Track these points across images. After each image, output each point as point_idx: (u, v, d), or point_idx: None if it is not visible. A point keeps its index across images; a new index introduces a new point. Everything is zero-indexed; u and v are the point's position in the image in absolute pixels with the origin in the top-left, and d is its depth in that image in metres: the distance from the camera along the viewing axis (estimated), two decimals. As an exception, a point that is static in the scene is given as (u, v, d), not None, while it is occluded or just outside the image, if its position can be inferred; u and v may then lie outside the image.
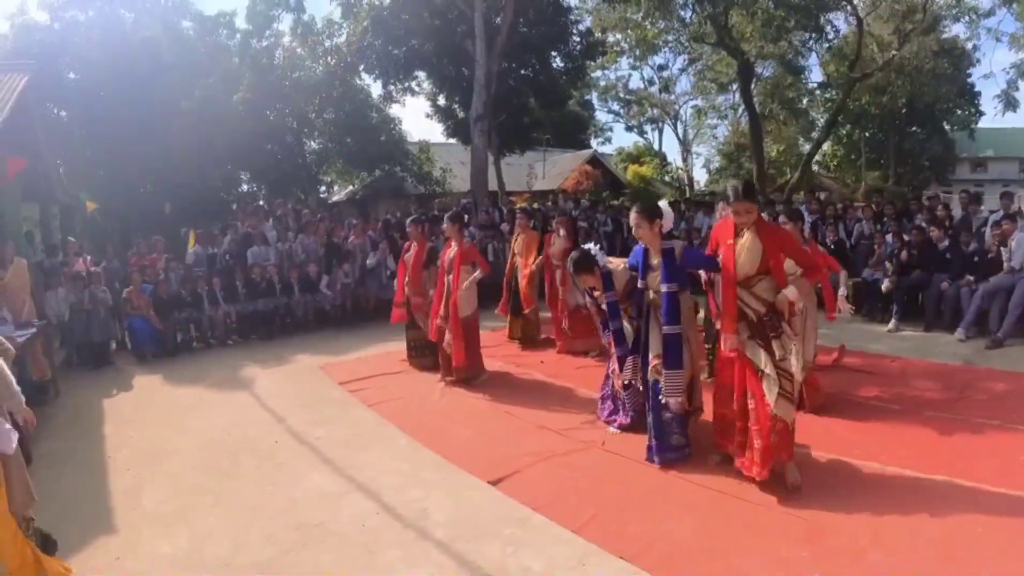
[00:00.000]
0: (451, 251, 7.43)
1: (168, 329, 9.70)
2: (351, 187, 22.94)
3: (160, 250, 11.19)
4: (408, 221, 8.61)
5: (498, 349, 8.92)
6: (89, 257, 11.14)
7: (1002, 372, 7.01)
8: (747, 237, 4.26)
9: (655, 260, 4.83)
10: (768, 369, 4.16)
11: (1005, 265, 8.62)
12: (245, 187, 19.65)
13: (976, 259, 9.13)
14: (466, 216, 14.39)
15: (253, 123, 16.87)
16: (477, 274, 7.20)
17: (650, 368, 4.85)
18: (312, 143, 20.01)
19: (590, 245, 5.72)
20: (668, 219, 4.88)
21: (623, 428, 5.58)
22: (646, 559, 3.57)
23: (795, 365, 4.19)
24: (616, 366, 5.36)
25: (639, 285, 4.99)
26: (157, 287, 9.94)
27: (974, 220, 10.33)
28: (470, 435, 5.78)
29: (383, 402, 6.82)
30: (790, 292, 4.20)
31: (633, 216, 4.89)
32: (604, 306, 5.37)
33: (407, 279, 8.06)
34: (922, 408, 5.83)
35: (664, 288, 4.68)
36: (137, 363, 9.40)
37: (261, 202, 18.13)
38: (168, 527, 4.27)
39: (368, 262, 12.03)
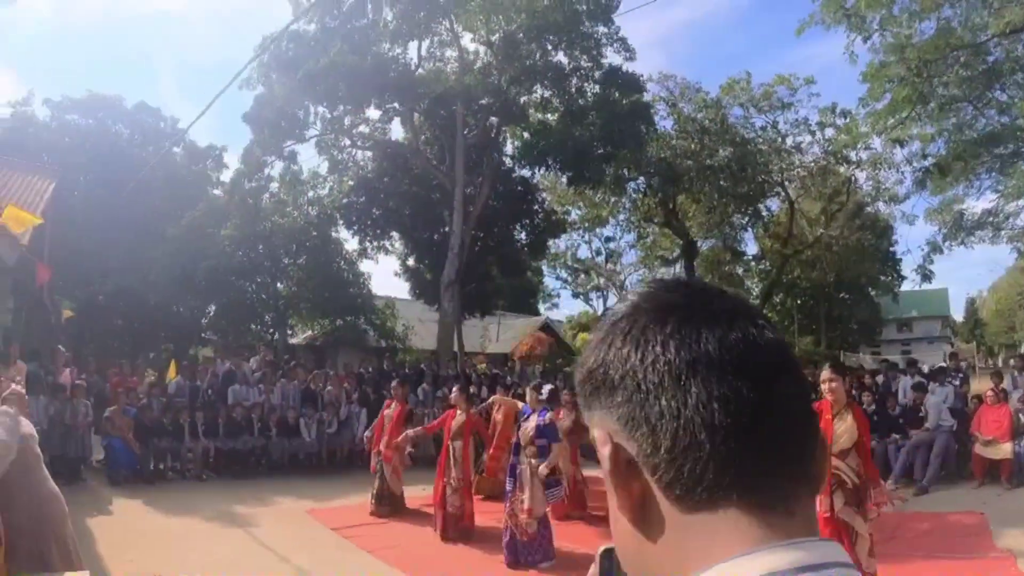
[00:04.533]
0: (459, 419, 7.95)
1: (146, 455, 9.56)
2: (310, 332, 23.14)
3: (142, 374, 11.19)
4: (395, 382, 9.59)
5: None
6: (75, 369, 11.02)
7: (926, 514, 8.25)
8: (847, 417, 4.97)
9: None
10: (863, 531, 4.82)
11: (925, 424, 10.11)
12: (208, 319, 19.65)
13: (900, 420, 10.61)
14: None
15: (234, 260, 17.34)
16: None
17: None
18: (279, 286, 20.41)
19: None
20: None
21: None
22: None
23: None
24: None
25: None
26: (140, 412, 9.89)
27: (894, 385, 12.08)
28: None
29: (382, 549, 7.01)
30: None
31: None
32: None
33: (385, 434, 8.71)
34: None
35: None
36: (110, 485, 9.19)
37: (207, 335, 18.24)
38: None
39: (341, 413, 12.23)
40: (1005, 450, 9.31)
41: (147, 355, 14.10)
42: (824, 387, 5.04)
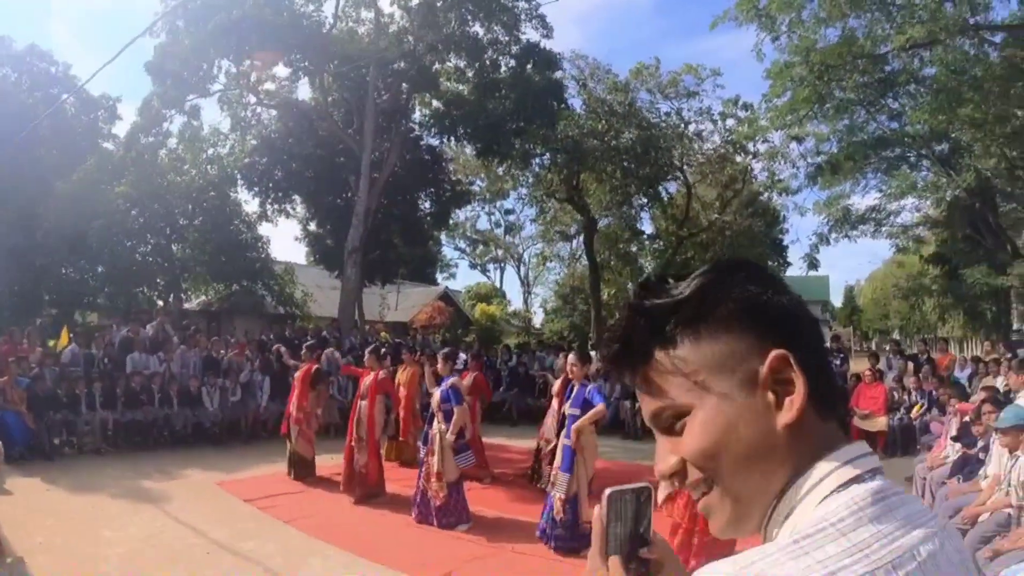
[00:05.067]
0: (368, 379, 8.12)
1: (40, 429, 9.10)
2: (205, 297, 22.28)
3: (34, 341, 10.57)
4: (304, 346, 9.64)
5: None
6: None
7: None
8: None
9: (575, 391, 6.29)
10: None
11: None
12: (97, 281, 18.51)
13: None
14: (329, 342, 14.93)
15: (127, 219, 16.47)
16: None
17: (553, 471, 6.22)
18: (174, 248, 19.48)
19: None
20: (593, 364, 6.58)
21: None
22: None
23: None
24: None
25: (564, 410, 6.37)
26: (33, 382, 9.37)
27: None
28: (394, 545, 6.34)
29: (299, 518, 7.08)
30: None
31: (572, 358, 6.48)
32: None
33: (294, 397, 8.95)
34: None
35: (569, 411, 6.18)
36: (3, 462, 8.68)
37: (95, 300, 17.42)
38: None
39: (241, 377, 12.04)
40: (881, 423, 10.43)
41: (32, 320, 13.21)
42: None
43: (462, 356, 8.58)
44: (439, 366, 7.51)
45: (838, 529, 0.70)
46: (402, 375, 10.23)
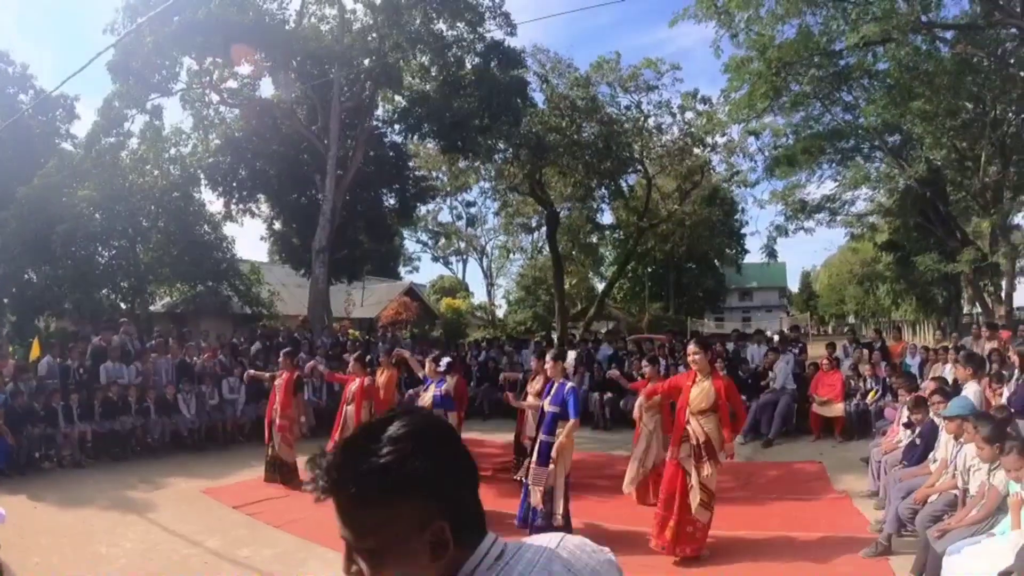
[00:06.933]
0: (353, 385, 8.34)
1: (21, 445, 9.04)
2: (169, 299, 21.93)
3: (6, 356, 10.43)
4: (282, 352, 9.78)
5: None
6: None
7: (773, 463, 9.82)
8: (704, 384, 5.96)
9: (554, 388, 6.64)
10: (696, 482, 5.81)
11: (771, 385, 11.73)
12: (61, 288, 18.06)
13: (749, 381, 12.19)
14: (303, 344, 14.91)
15: (90, 222, 16.15)
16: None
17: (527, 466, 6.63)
18: (139, 250, 19.09)
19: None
20: (569, 363, 7.08)
21: None
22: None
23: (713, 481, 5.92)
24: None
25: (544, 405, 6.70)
26: (11, 397, 9.28)
27: (743, 352, 13.87)
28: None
29: (289, 523, 7.22)
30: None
31: (549, 358, 6.95)
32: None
33: (276, 403, 9.03)
34: (721, 494, 7.53)
35: (549, 408, 6.52)
36: (-18, 480, 8.64)
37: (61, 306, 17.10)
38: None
39: (228, 395, 12.01)
40: (838, 409, 11.04)
41: (-5, 329, 12.96)
42: (689, 359, 6.17)
43: (444, 359, 8.79)
44: (426, 370, 7.86)
45: None
46: (380, 377, 10.34)
